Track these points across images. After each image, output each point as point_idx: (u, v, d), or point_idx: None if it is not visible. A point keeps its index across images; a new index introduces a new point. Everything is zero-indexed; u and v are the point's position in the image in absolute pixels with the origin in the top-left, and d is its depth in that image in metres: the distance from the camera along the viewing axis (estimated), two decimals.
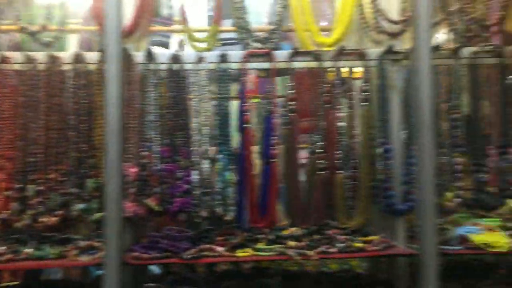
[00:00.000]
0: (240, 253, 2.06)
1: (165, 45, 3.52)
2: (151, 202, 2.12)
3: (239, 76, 2.33)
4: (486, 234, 2.16)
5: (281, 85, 3.26)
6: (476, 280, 2.30)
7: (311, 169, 2.35)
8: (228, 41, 3.36)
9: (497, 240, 2.11)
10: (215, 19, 2.38)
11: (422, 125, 2.04)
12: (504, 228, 2.23)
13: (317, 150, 2.31)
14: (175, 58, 2.28)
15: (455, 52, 2.35)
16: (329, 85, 2.35)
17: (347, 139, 2.33)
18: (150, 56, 2.26)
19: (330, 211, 2.35)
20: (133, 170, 2.14)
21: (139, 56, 2.26)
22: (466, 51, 2.36)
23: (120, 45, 1.98)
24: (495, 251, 2.09)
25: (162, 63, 2.27)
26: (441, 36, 2.62)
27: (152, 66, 2.26)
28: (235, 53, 2.31)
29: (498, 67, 2.37)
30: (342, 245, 2.09)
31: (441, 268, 2.38)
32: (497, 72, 2.39)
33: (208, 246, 2.09)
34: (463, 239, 2.16)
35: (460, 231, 2.20)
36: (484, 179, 2.33)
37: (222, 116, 2.27)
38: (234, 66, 2.31)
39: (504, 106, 2.35)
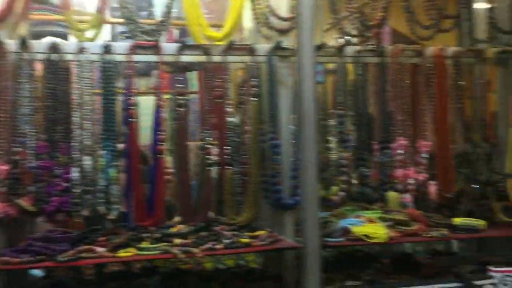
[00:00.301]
0: (122, 253, 1.98)
1: (62, 36, 3.30)
2: (23, 202, 1.97)
3: (125, 68, 2.24)
4: (366, 226, 2.26)
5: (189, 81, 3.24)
6: (358, 270, 2.39)
7: (201, 165, 2.32)
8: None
9: (376, 231, 2.21)
10: (100, 8, 2.26)
11: (305, 120, 2.08)
12: (384, 220, 2.35)
13: (206, 146, 2.29)
14: (54, 48, 2.13)
15: (340, 51, 2.42)
16: (220, 80, 2.34)
17: (237, 134, 2.34)
18: (24, 45, 2.10)
19: (220, 208, 2.35)
20: (4, 167, 1.98)
21: (12, 45, 2.09)
22: (351, 49, 2.45)
23: None
24: (374, 241, 2.19)
25: (39, 53, 2.12)
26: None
27: (27, 56, 2.10)
28: (121, 45, 2.21)
29: (380, 66, 2.48)
30: (228, 241, 2.08)
31: (325, 260, 2.47)
32: (379, 71, 2.50)
33: (87, 247, 1.98)
34: (346, 231, 2.23)
35: (343, 223, 2.27)
36: (367, 173, 2.44)
37: (106, 110, 2.17)
38: (120, 58, 2.21)
39: (384, 103, 2.46)
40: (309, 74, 2.11)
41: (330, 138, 2.49)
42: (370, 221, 2.32)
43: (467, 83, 2.62)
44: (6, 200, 1.98)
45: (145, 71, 4.47)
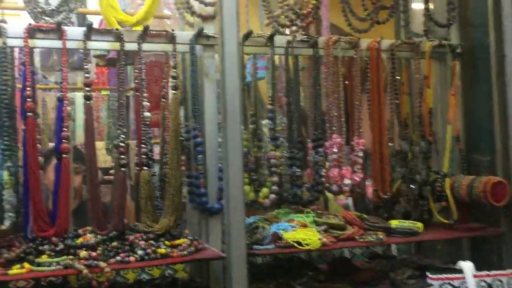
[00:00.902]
0: (14, 270, 1.68)
1: None
2: None
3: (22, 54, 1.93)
4: (298, 231, 2.07)
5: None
6: (292, 278, 2.20)
7: (115, 165, 2.06)
8: None
9: (309, 237, 2.03)
10: None
11: (230, 116, 1.86)
12: (317, 224, 2.17)
13: (120, 144, 2.02)
14: None
15: (269, 41, 2.22)
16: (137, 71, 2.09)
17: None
18: None
19: (138, 213, 2.09)
20: None
21: None
22: (282, 40, 2.27)
23: None
24: (307, 248, 2.00)
25: None
26: None
27: None
28: (15, 27, 1.91)
29: (313, 58, 2.31)
30: (142, 252, 1.83)
31: (256, 267, 2.27)
32: (312, 63, 2.33)
33: None
34: (276, 237, 2.04)
35: (274, 229, 2.08)
36: (299, 174, 2.26)
37: None
38: (15, 42, 1.91)
39: (318, 99, 2.29)
40: (234, 65, 1.90)
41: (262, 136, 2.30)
42: (303, 225, 2.14)
43: (404, 78, 2.51)
44: None
45: (79, 64, 4.14)
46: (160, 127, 2.25)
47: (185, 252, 1.89)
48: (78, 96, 4.61)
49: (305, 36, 2.27)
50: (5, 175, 1.81)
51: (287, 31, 2.36)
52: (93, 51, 3.72)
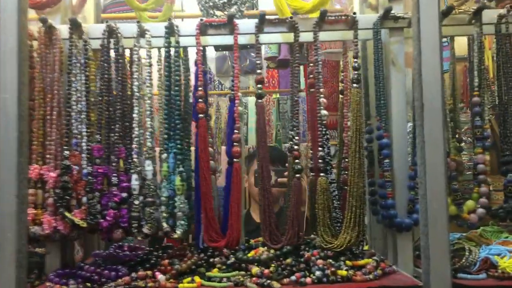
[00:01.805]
0: (185, 284, 1.56)
1: None
2: (74, 216, 1.64)
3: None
4: None
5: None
6: None
7: (290, 171, 1.83)
8: None
9: None
10: None
11: (428, 112, 1.48)
12: None
13: (293, 147, 1.79)
14: (110, 32, 1.79)
15: (475, 17, 1.78)
16: (312, 64, 1.84)
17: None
18: (76, 29, 1.78)
19: (314, 226, 1.84)
20: (52, 174, 1.68)
21: (64, 31, 1.79)
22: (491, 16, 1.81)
23: None
24: None
25: (93, 38, 1.79)
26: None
27: (80, 43, 1.78)
28: (187, 25, 1.81)
29: None
30: (320, 273, 1.56)
31: None
32: None
33: (146, 273, 1.60)
34: (487, 264, 1.60)
35: (484, 252, 1.64)
36: None
37: (170, 104, 1.77)
38: (187, 41, 1.81)
39: None
40: (433, 48, 1.53)
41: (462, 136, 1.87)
42: None
43: None
44: (54, 213, 1.67)
45: (251, 68, 4.14)
46: (337, 128, 1.98)
47: (370, 276, 1.57)
48: (251, 101, 4.62)
49: None
50: (177, 180, 1.71)
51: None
52: (264, 53, 3.66)
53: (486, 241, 1.81)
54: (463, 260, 1.61)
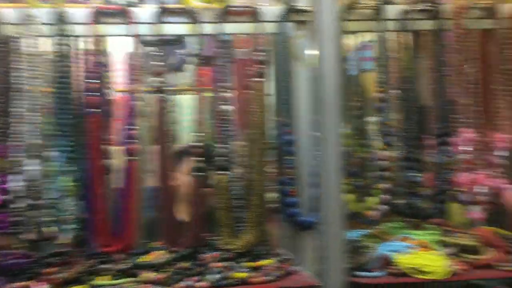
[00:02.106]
0: None
1: None
2: None
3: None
4: (417, 254, 1.60)
5: None
6: None
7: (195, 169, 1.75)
8: None
9: (431, 262, 1.55)
10: None
11: (326, 107, 1.45)
12: (443, 244, 1.68)
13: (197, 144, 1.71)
14: None
15: (377, 13, 1.77)
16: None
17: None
18: None
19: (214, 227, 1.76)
20: None
21: None
22: (394, 11, 1.80)
23: None
24: (428, 278, 1.53)
25: None
26: None
27: None
28: (78, 12, 1.67)
29: (436, 33, 1.81)
30: (216, 276, 1.49)
31: None
32: (435, 39, 1.83)
33: (23, 284, 1.46)
34: (386, 261, 1.59)
35: (383, 249, 1.63)
36: (418, 179, 1.77)
37: (60, 97, 1.63)
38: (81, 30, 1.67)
39: (442, 83, 1.78)
40: (331, 44, 1.51)
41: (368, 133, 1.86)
42: (423, 246, 1.66)
43: None
44: None
45: (177, 66, 4.00)
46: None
47: (270, 277, 1.52)
48: (183, 99, 4.50)
49: (427, 5, 1.77)
50: (66, 181, 1.57)
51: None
52: (192, 50, 3.55)
53: (389, 237, 1.80)
54: (363, 258, 1.59)
